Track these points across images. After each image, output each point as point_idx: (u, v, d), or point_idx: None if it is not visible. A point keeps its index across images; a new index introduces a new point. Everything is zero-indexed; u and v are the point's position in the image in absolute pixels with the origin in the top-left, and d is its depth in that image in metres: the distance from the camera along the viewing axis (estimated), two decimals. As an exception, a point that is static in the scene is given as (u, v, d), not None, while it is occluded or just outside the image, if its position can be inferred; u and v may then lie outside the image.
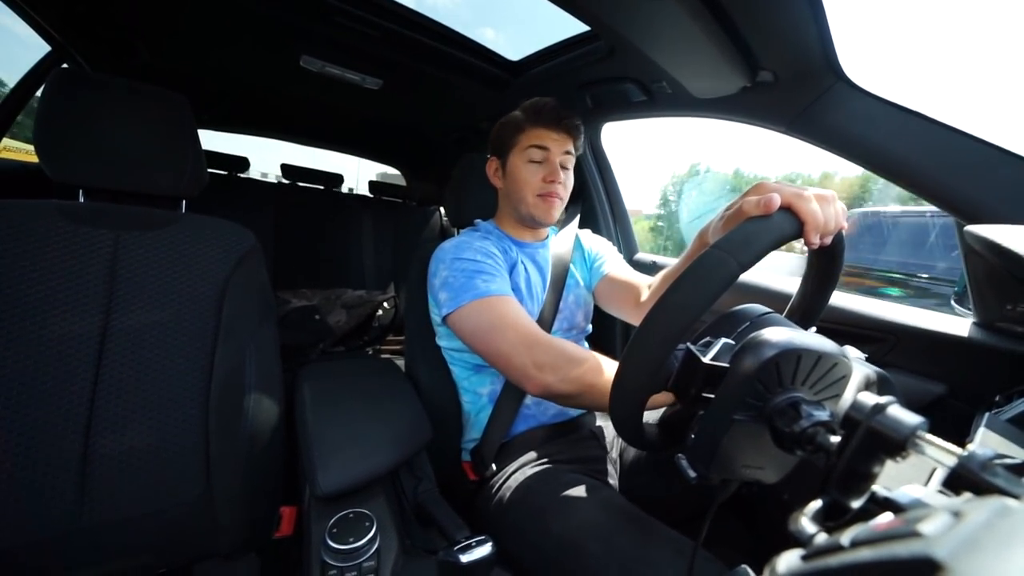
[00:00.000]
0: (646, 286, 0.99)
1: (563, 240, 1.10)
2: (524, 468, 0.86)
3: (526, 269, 1.00)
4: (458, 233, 1.10)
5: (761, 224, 0.48)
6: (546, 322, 0.98)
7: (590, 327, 1.13)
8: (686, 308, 0.45)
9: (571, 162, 1.01)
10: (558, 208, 1.00)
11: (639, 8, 0.79)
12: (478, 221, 1.10)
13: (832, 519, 0.33)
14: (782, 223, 0.49)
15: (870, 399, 0.35)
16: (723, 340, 0.46)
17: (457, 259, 0.90)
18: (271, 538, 0.87)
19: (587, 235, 1.21)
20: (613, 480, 0.88)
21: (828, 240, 0.52)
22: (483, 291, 0.85)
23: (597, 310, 1.15)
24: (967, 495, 0.26)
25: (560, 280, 1.03)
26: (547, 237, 1.12)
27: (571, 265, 1.08)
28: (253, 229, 0.92)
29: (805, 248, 0.54)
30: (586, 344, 1.12)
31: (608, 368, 0.81)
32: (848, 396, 0.39)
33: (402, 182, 3.04)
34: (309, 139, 2.55)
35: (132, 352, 0.79)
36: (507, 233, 1.06)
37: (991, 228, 0.64)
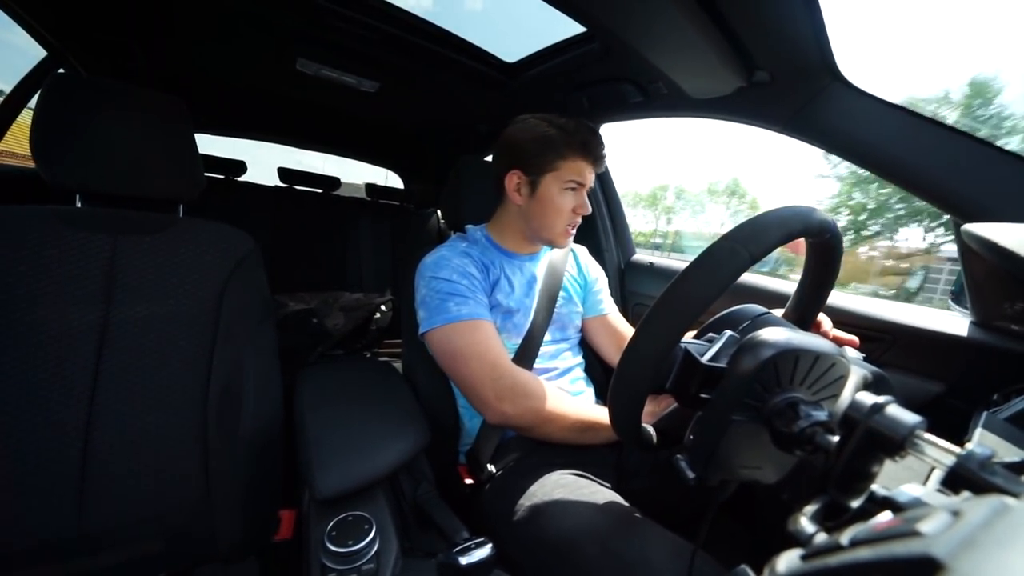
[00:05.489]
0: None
1: (559, 252, 1.10)
2: (521, 470, 0.86)
3: (510, 283, 0.99)
4: (453, 234, 1.10)
5: (771, 218, 0.49)
6: (538, 331, 0.98)
7: (580, 335, 1.14)
8: (694, 298, 0.44)
9: None
10: None
11: (635, 9, 0.79)
12: (469, 228, 1.08)
13: (831, 519, 0.33)
14: (790, 220, 0.49)
15: (868, 399, 0.35)
16: (728, 333, 0.46)
17: (434, 278, 0.91)
18: (270, 541, 0.87)
19: (585, 254, 1.22)
20: (610, 482, 0.87)
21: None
22: (455, 315, 0.86)
23: None
24: (966, 494, 0.26)
25: (554, 291, 1.03)
26: (540, 250, 1.11)
27: (565, 279, 1.08)
28: (250, 233, 0.92)
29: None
30: (581, 351, 1.13)
31: (568, 405, 0.85)
32: (846, 396, 0.39)
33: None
34: (306, 142, 2.54)
35: (131, 351, 0.79)
36: (498, 244, 1.04)
37: (989, 227, 0.64)
